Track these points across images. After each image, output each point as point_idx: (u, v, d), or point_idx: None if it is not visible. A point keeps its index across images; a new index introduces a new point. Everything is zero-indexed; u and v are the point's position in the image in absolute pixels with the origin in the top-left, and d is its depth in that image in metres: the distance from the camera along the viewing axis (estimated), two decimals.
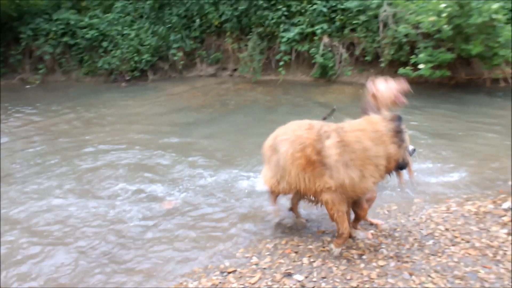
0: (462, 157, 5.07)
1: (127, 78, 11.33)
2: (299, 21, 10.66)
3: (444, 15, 8.08)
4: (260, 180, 3.52)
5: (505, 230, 3.37)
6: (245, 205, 4.09)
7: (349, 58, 10.30)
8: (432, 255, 3.08)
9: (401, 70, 8.74)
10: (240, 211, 3.99)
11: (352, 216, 3.42)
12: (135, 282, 3.05)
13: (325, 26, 10.33)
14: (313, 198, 3.25)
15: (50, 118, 7.99)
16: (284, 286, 2.81)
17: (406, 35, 9.09)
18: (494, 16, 7.78)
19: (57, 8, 12.20)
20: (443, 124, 6.71)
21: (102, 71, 11.61)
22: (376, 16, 9.89)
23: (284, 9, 10.74)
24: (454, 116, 7.13)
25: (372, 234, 3.41)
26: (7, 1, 11.24)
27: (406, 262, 3.00)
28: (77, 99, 9.46)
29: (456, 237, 3.32)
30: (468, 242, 3.24)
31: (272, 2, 10.92)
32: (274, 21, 10.75)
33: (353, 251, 3.18)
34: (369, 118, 2.98)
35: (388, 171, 2.96)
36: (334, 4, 10.46)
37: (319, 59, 10.20)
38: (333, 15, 10.46)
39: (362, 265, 2.99)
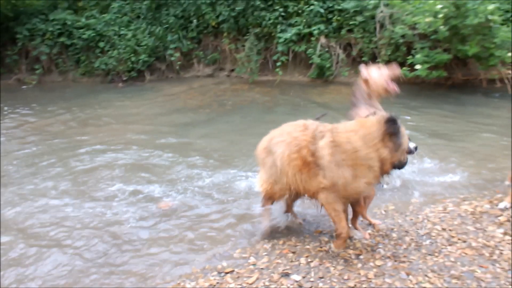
0: (459, 157, 5.09)
1: (124, 78, 11.31)
2: (296, 21, 10.68)
3: (440, 16, 8.11)
4: (257, 182, 3.51)
5: (502, 230, 3.39)
6: (242, 206, 4.09)
7: (346, 58, 10.33)
8: (429, 254, 3.09)
9: None
10: (238, 211, 3.99)
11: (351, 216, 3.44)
12: (131, 283, 3.04)
13: (322, 26, 10.35)
14: (310, 199, 3.25)
15: (46, 118, 7.96)
16: (282, 286, 2.80)
17: (402, 36, 9.12)
18: (490, 17, 7.82)
19: (54, 8, 12.16)
20: (440, 124, 6.73)
21: (99, 72, 11.58)
22: (373, 17, 9.92)
23: (281, 9, 10.75)
24: (451, 116, 7.16)
25: (369, 234, 3.41)
26: (3, 1, 11.18)
27: (403, 262, 3.01)
28: (74, 100, 9.43)
29: (453, 237, 3.33)
30: (464, 242, 3.25)
31: (269, 3, 10.93)
32: (271, 21, 10.76)
33: (351, 251, 3.18)
34: (362, 120, 2.96)
35: (384, 173, 2.95)
36: (331, 5, 10.49)
37: (316, 59, 10.22)
38: (330, 15, 10.49)
39: (360, 265, 3.00)
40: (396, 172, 4.31)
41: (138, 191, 4.52)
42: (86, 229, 3.78)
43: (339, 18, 10.34)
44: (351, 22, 10.20)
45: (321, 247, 3.26)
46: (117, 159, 5.51)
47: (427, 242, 3.27)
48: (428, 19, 8.21)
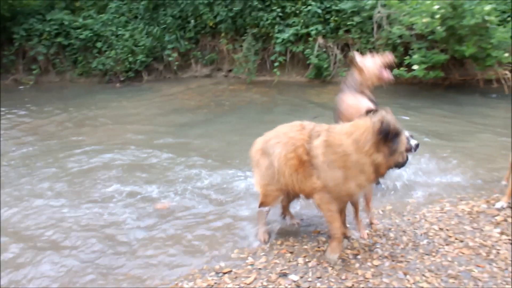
0: (456, 157, 5.10)
1: (122, 78, 11.28)
2: (293, 22, 10.69)
3: (437, 16, 8.14)
4: (255, 184, 3.50)
5: (498, 230, 3.40)
6: (240, 206, 4.08)
7: (344, 59, 10.34)
8: (427, 254, 3.10)
9: (395, 71, 8.78)
10: (236, 212, 3.98)
11: (351, 216, 3.44)
12: (128, 284, 3.03)
13: (319, 27, 10.36)
14: (307, 199, 3.25)
15: (43, 119, 7.93)
16: (280, 286, 2.81)
17: (400, 36, 9.14)
18: (486, 17, 7.85)
19: (51, 9, 12.11)
20: (438, 124, 6.75)
21: (96, 72, 11.55)
22: (370, 18, 9.94)
23: (278, 10, 10.76)
24: (449, 116, 7.18)
25: (367, 234, 3.42)
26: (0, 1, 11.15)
27: (401, 261, 3.02)
28: (71, 100, 9.40)
29: (450, 236, 3.34)
30: (462, 241, 3.26)
31: (267, 3, 10.94)
32: (269, 22, 10.76)
33: (348, 251, 3.18)
34: (357, 123, 2.86)
35: (379, 176, 2.91)
36: (328, 5, 10.50)
37: (314, 60, 10.23)
38: (327, 16, 10.50)
39: (357, 265, 3.00)
40: (396, 172, 4.34)
41: (135, 192, 4.50)
42: (82, 230, 3.75)
43: (336, 18, 10.36)
44: (348, 23, 10.22)
45: (319, 247, 3.26)
46: (114, 159, 5.50)
47: (425, 242, 3.28)
48: (425, 20, 8.24)
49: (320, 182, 2.91)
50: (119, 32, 11.53)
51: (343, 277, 2.86)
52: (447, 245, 3.22)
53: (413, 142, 3.33)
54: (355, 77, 3.75)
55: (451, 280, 2.78)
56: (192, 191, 4.47)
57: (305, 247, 3.29)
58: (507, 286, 2.72)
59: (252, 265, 3.09)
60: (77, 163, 5.44)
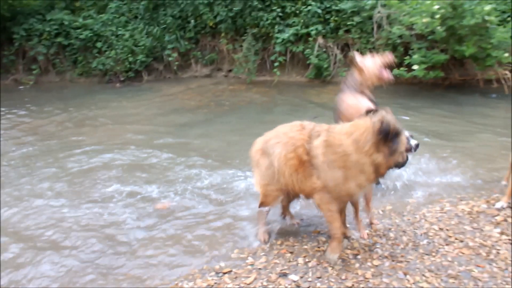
0: (457, 157, 5.10)
1: (122, 79, 11.28)
2: (293, 22, 10.69)
3: (437, 16, 8.14)
4: (255, 184, 3.50)
5: (498, 230, 3.40)
6: (240, 206, 4.08)
7: (344, 59, 10.34)
8: (427, 254, 3.10)
9: (395, 71, 8.78)
10: (236, 212, 3.99)
11: (351, 216, 3.44)
12: (128, 284, 3.03)
13: (319, 27, 10.36)
14: (307, 199, 3.25)
15: (43, 119, 7.93)
16: (280, 286, 2.81)
17: (400, 36, 9.14)
18: (486, 17, 7.85)
19: (51, 9, 12.11)
20: (438, 124, 6.75)
21: (96, 72, 11.55)
22: (370, 18, 9.94)
23: (278, 10, 10.76)
24: (449, 116, 7.18)
25: (367, 234, 3.42)
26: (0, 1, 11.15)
27: (401, 261, 3.02)
28: (71, 100, 9.40)
29: (450, 236, 3.34)
30: (461, 241, 3.26)
31: (267, 3, 10.94)
32: (268, 22, 10.76)
33: (348, 251, 3.19)
34: (357, 123, 2.85)
35: (380, 176, 2.90)
36: (328, 5, 10.50)
37: (314, 60, 10.23)
38: (327, 16, 10.50)
39: (357, 265, 3.00)
40: (396, 172, 4.34)
41: (135, 192, 4.50)
42: (82, 230, 3.75)
43: (336, 18, 10.36)
44: (348, 23, 10.22)
45: (319, 247, 3.26)
46: (114, 159, 5.50)
47: (425, 242, 3.28)
48: (425, 20, 8.24)
49: (320, 182, 2.91)
50: (119, 32, 11.53)
51: (343, 277, 2.86)
52: (447, 245, 3.22)
53: (413, 142, 3.33)
54: (355, 77, 3.76)
55: (451, 280, 2.79)
56: (192, 191, 4.47)
57: (305, 247, 3.29)
58: (507, 286, 2.72)
59: (252, 265, 3.09)
60: (77, 163, 5.44)
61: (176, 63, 11.54)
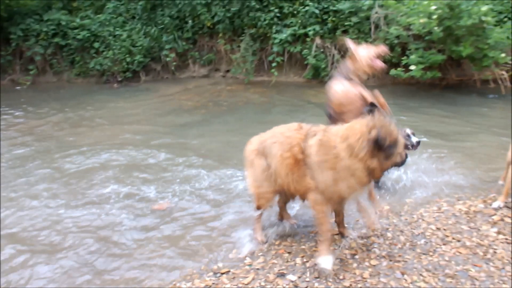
0: (454, 157, 5.12)
1: (119, 79, 11.26)
2: (291, 22, 10.70)
3: (434, 17, 8.17)
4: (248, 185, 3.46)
5: (495, 229, 3.41)
6: (238, 206, 4.08)
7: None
8: (424, 254, 3.11)
9: (393, 72, 8.83)
10: (234, 212, 3.99)
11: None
12: (126, 284, 3.03)
13: (317, 27, 10.38)
14: (303, 200, 3.23)
15: (40, 119, 7.90)
16: (278, 286, 2.81)
17: (397, 37, 9.17)
18: (483, 18, 7.89)
19: (48, 9, 12.07)
20: (436, 124, 6.77)
21: (94, 72, 11.52)
22: (367, 18, 9.97)
23: (276, 10, 10.77)
24: (447, 116, 7.20)
25: (364, 234, 3.42)
26: None
27: (398, 261, 3.02)
28: (68, 100, 9.37)
29: (447, 236, 3.35)
30: (459, 241, 3.27)
31: (265, 4, 10.94)
32: (266, 22, 10.77)
33: (346, 251, 3.19)
34: (353, 127, 2.77)
35: (373, 179, 2.88)
36: (326, 6, 10.52)
37: (311, 60, 10.25)
38: (325, 16, 10.51)
39: (355, 265, 3.01)
40: (393, 172, 4.35)
41: (132, 193, 4.49)
42: (79, 231, 3.74)
43: (334, 19, 10.38)
44: (346, 23, 10.24)
45: (316, 247, 3.26)
46: (112, 160, 5.49)
47: (422, 241, 3.29)
48: (422, 20, 8.27)
49: (314, 182, 2.88)
50: (117, 33, 11.51)
51: (341, 277, 2.86)
52: (444, 244, 3.23)
53: (414, 140, 3.32)
54: (347, 65, 3.80)
55: (448, 280, 2.79)
56: (190, 191, 4.47)
57: (303, 247, 3.29)
58: (503, 285, 2.73)
59: (250, 265, 3.09)
60: (74, 163, 5.42)
61: (174, 63, 11.53)
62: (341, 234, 3.39)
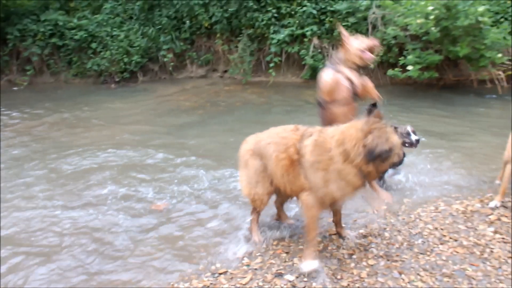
0: (451, 157, 5.13)
1: (117, 79, 11.25)
2: (289, 23, 10.71)
3: (431, 17, 8.19)
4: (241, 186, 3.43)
5: (492, 229, 3.42)
6: (236, 206, 4.08)
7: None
8: (421, 253, 3.11)
9: (390, 72, 8.85)
10: (231, 212, 3.98)
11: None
12: (123, 285, 3.02)
13: (315, 28, 10.39)
14: (298, 201, 3.22)
15: (37, 119, 7.89)
16: (275, 286, 2.81)
17: (394, 37, 9.19)
18: (480, 18, 7.92)
19: (45, 9, 12.05)
20: (433, 124, 6.79)
21: (91, 73, 11.51)
22: (365, 18, 9.99)
23: (274, 11, 10.78)
24: (444, 116, 7.23)
25: (361, 233, 3.42)
26: None
27: (396, 261, 3.03)
28: (66, 101, 9.35)
29: (444, 235, 3.36)
30: (456, 240, 3.28)
31: (262, 4, 10.96)
32: (264, 22, 10.78)
33: (344, 251, 3.19)
34: (348, 132, 2.72)
35: (369, 181, 2.87)
36: (323, 6, 10.54)
37: (309, 60, 10.26)
38: (322, 17, 10.54)
39: (353, 265, 3.01)
40: (390, 173, 4.36)
41: (130, 193, 4.48)
42: (76, 233, 3.72)
43: (331, 19, 10.39)
44: (343, 23, 10.23)
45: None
46: (109, 160, 5.47)
47: (419, 241, 3.30)
48: (419, 21, 8.29)
49: (308, 182, 2.86)
50: (114, 33, 11.50)
51: (339, 277, 2.87)
52: (441, 244, 3.24)
53: (414, 138, 3.31)
54: (339, 55, 3.85)
55: (445, 279, 2.80)
56: (187, 192, 4.46)
57: (301, 247, 3.29)
58: (500, 284, 2.74)
59: (248, 265, 3.09)
60: (71, 164, 5.40)
61: (172, 63, 11.53)
62: (339, 234, 3.39)
